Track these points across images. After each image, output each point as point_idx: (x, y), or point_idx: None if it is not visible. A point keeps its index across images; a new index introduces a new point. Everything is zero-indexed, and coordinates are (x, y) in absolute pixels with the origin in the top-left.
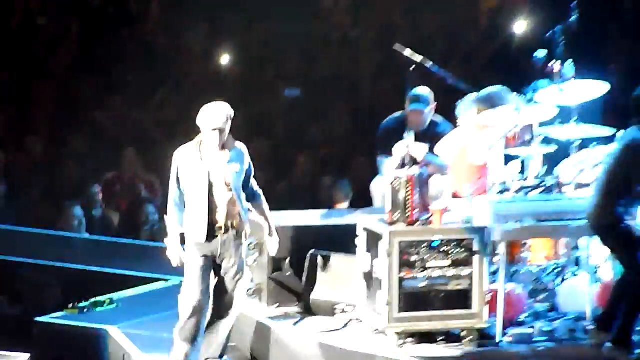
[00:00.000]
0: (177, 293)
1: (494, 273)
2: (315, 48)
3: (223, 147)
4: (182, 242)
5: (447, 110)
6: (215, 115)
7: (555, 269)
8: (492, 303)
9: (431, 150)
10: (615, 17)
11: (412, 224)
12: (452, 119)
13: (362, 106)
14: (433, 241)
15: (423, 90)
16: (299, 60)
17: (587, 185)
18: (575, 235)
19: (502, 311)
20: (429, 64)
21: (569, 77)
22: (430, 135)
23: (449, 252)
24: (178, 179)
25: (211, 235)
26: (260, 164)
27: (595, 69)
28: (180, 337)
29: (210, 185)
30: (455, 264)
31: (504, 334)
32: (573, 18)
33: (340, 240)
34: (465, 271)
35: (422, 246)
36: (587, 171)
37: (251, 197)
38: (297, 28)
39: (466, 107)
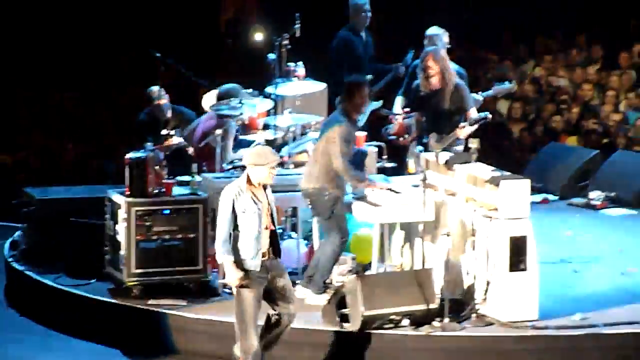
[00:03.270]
0: None
1: None
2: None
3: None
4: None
5: (191, 100)
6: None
7: None
8: (214, 261)
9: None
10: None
11: (148, 196)
12: (195, 107)
13: (122, 103)
14: (164, 210)
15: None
16: (74, 66)
17: (303, 164)
18: (289, 205)
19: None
20: (177, 65)
21: (300, 75)
22: (178, 120)
23: (178, 219)
24: (234, 215)
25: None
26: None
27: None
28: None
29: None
30: (183, 228)
31: (224, 285)
32: (296, 26)
33: (95, 209)
34: (191, 234)
35: (155, 214)
36: (304, 152)
37: None
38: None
39: (208, 99)
